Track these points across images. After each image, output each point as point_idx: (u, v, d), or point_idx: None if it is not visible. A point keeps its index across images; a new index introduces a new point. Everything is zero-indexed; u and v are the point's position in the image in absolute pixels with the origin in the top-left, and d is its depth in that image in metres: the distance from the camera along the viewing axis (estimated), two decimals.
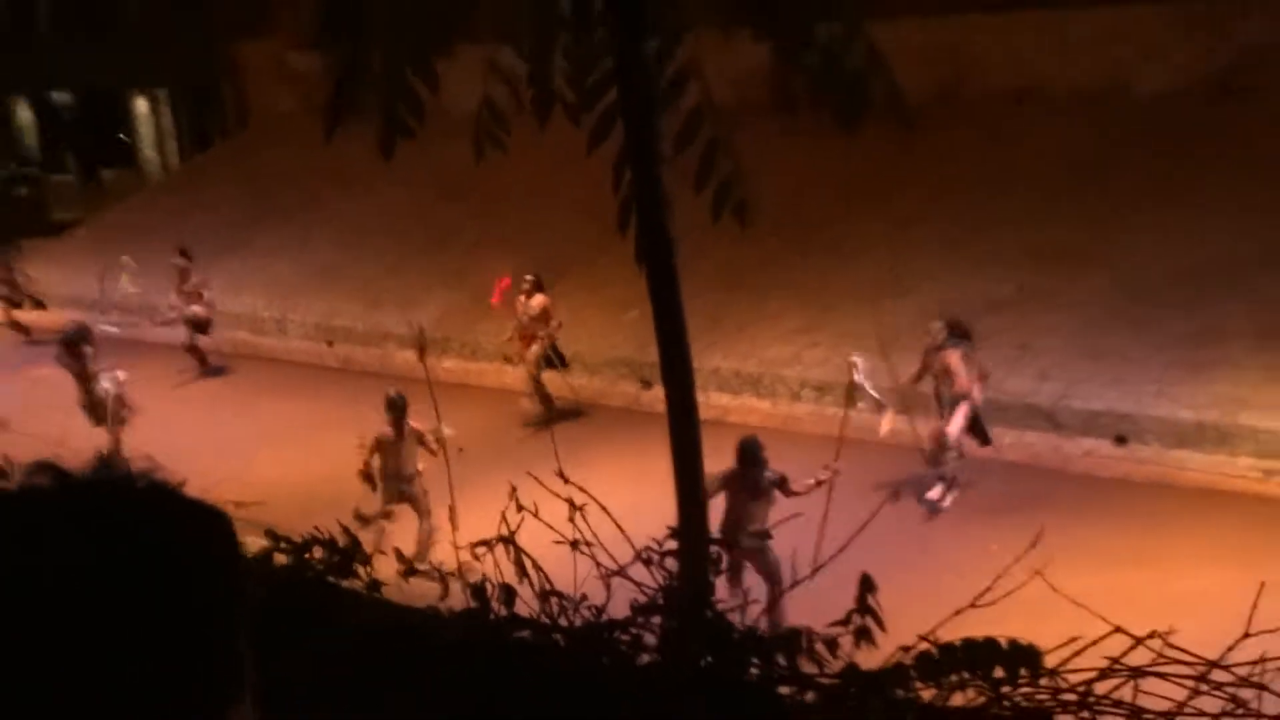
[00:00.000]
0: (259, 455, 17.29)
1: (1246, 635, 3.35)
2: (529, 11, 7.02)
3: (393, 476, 14.58)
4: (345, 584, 4.42)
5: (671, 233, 7.31)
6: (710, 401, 18.15)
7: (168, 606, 1.33)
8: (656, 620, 3.56)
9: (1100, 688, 3.33)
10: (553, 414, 18.44)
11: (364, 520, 13.46)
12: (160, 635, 1.32)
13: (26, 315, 25.69)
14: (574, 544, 3.77)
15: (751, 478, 12.40)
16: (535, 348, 18.44)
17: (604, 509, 3.87)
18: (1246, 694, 3.24)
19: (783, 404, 18.01)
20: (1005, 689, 3.44)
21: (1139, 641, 3.35)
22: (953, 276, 18.38)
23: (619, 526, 3.85)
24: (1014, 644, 3.76)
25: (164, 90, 34.75)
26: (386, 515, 14.38)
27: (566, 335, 18.96)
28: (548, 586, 3.80)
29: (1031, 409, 16.11)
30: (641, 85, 7.08)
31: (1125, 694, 3.32)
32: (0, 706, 1.28)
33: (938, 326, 14.99)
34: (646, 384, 17.90)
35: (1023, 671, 3.66)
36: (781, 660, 3.77)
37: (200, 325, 21.93)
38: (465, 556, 3.94)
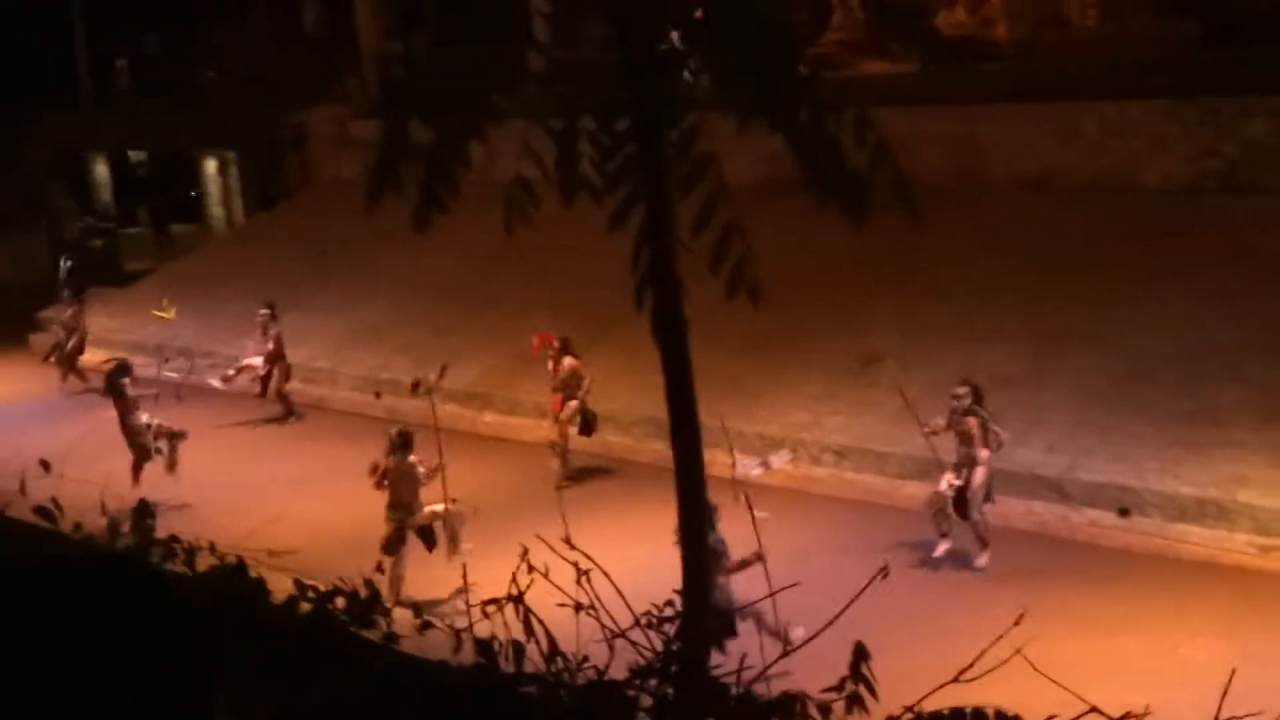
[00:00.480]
0: (300, 497, 17.33)
1: (1217, 717, 3.30)
2: (558, 101, 7.07)
3: (395, 506, 14.76)
4: (365, 634, 4.40)
5: (685, 310, 7.31)
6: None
7: (130, 672, 1.32)
8: (653, 682, 3.53)
9: None
10: (569, 472, 18.35)
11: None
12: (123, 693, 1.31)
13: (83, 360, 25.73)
14: (578, 607, 3.75)
15: None
16: (569, 410, 18.40)
17: (607, 576, 3.83)
18: None
19: (803, 467, 17.95)
20: None
21: None
22: (962, 352, 18.34)
23: (620, 593, 3.82)
24: (1000, 715, 3.71)
25: (233, 152, 35.05)
26: (389, 546, 14.59)
27: (601, 395, 18.95)
28: (554, 646, 3.78)
29: (1039, 479, 16.02)
30: (660, 173, 7.11)
31: None
32: None
33: (963, 391, 14.93)
34: None
35: None
36: None
37: (267, 368, 21.95)
38: (476, 615, 3.93)
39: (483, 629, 3.96)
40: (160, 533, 5.08)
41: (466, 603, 3.97)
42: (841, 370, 18.83)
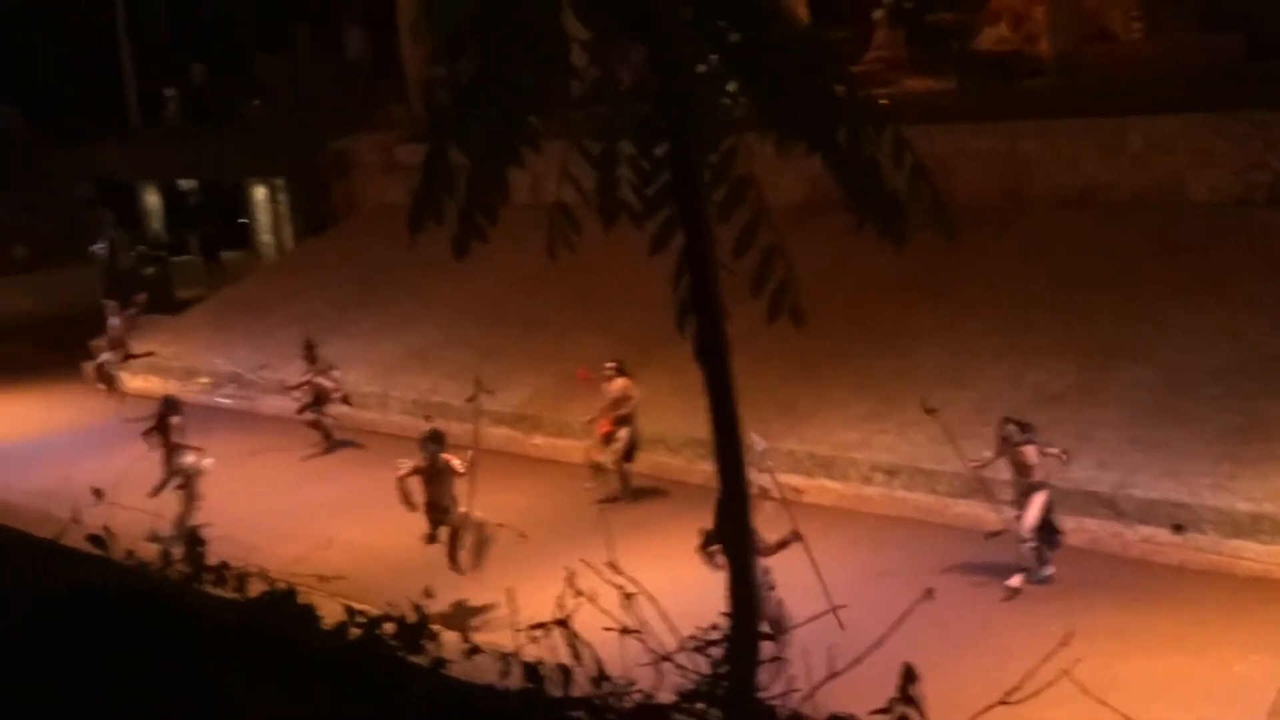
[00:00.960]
0: (349, 522, 17.40)
1: None
2: (596, 126, 7.09)
3: (432, 505, 15.35)
4: (413, 659, 4.42)
5: (728, 333, 7.31)
6: (785, 481, 18.10)
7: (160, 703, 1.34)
8: (700, 706, 3.53)
9: None
10: (627, 494, 18.45)
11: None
12: None
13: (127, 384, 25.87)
14: (624, 631, 3.75)
15: None
16: (621, 434, 18.46)
17: (652, 599, 3.84)
18: None
19: (854, 485, 17.91)
20: None
21: None
22: (1009, 369, 18.27)
23: (665, 617, 3.82)
24: None
25: (281, 179, 35.30)
26: (431, 540, 15.29)
27: (648, 417, 18.96)
28: (601, 670, 3.78)
29: (1091, 496, 15.91)
30: (698, 197, 7.12)
31: None
32: None
33: (1012, 428, 14.84)
34: None
35: None
36: None
37: (320, 399, 22.04)
38: (524, 638, 3.94)
39: (530, 652, 3.97)
40: (210, 559, 5.12)
41: (514, 626, 3.97)
42: (888, 389, 18.77)
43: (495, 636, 4.12)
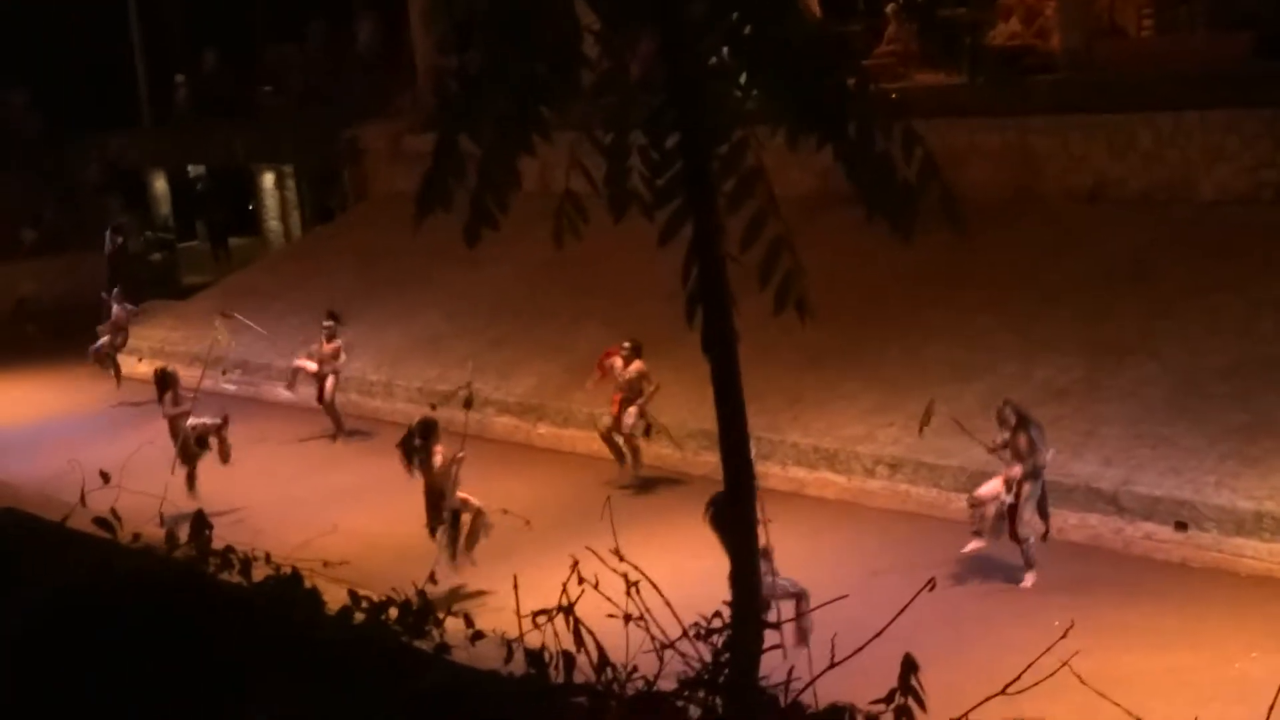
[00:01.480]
0: (354, 509, 17.44)
1: None
2: (607, 115, 7.10)
3: (431, 493, 15.43)
4: (417, 644, 4.45)
5: (735, 324, 7.32)
6: (788, 475, 18.14)
7: (180, 681, 1.37)
8: (702, 693, 3.56)
9: None
10: (638, 472, 18.50)
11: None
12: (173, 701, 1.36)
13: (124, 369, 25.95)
14: (628, 618, 3.78)
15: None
16: (633, 410, 18.48)
17: (655, 587, 3.86)
18: None
19: (857, 479, 17.93)
20: None
21: None
22: (1016, 364, 18.28)
23: (669, 604, 3.85)
24: None
25: (289, 166, 35.33)
26: (433, 531, 15.42)
27: (656, 407, 18.97)
28: (603, 657, 3.81)
29: (1095, 492, 15.93)
30: (708, 189, 7.13)
31: None
32: None
33: (1008, 411, 14.87)
34: None
35: None
36: None
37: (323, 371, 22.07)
38: (527, 625, 3.96)
39: (533, 639, 4.00)
40: (216, 543, 5.16)
41: (517, 613, 4.00)
42: (895, 383, 18.79)
43: (498, 623, 4.15)
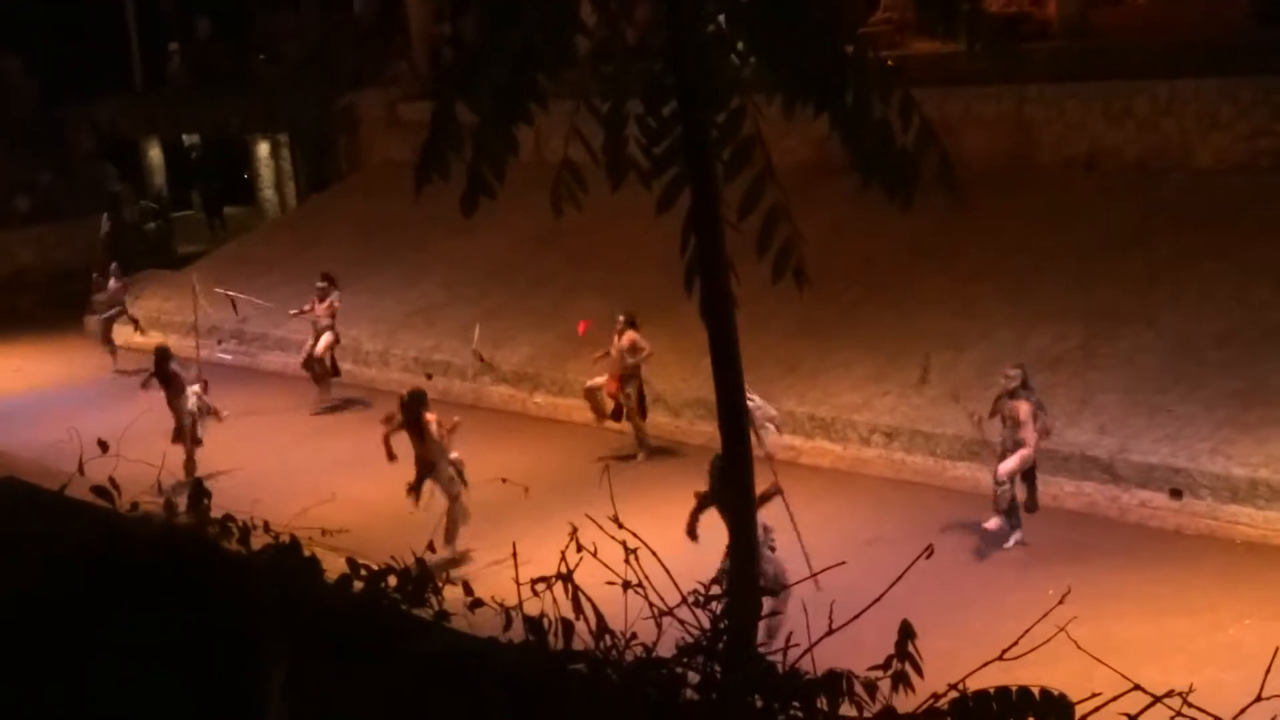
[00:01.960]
0: (351, 478, 17.44)
1: (1259, 698, 3.30)
2: (605, 84, 7.09)
3: (419, 462, 15.70)
4: (416, 611, 4.46)
5: (733, 292, 7.33)
6: (784, 443, 18.15)
7: (188, 645, 1.38)
8: (700, 660, 3.57)
9: None
10: (646, 446, 18.56)
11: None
12: (182, 666, 1.38)
13: (119, 339, 25.93)
14: (626, 585, 3.79)
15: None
16: (630, 389, 18.52)
17: (655, 554, 3.87)
18: None
19: (853, 447, 17.96)
20: None
21: (1157, 699, 3.30)
22: (1012, 332, 18.29)
23: (668, 572, 3.86)
24: (1046, 694, 3.72)
25: (284, 135, 35.24)
26: (413, 494, 15.72)
27: (652, 376, 18.99)
28: (602, 624, 3.82)
29: (1090, 460, 15.96)
30: (706, 156, 7.12)
31: None
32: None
33: (1014, 373, 14.88)
34: None
35: None
36: (822, 702, 3.76)
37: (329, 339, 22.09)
38: (526, 592, 3.97)
39: (532, 607, 4.01)
40: (214, 512, 5.16)
41: (516, 580, 4.01)
42: (891, 351, 18.80)
43: (497, 590, 4.16)
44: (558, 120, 7.29)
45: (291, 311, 22.80)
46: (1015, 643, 3.78)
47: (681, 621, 3.76)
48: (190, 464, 17.89)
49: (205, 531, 4.01)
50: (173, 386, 18.86)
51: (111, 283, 26.14)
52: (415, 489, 15.72)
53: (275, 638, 1.51)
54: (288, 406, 22.05)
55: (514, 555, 4.05)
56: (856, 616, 4.00)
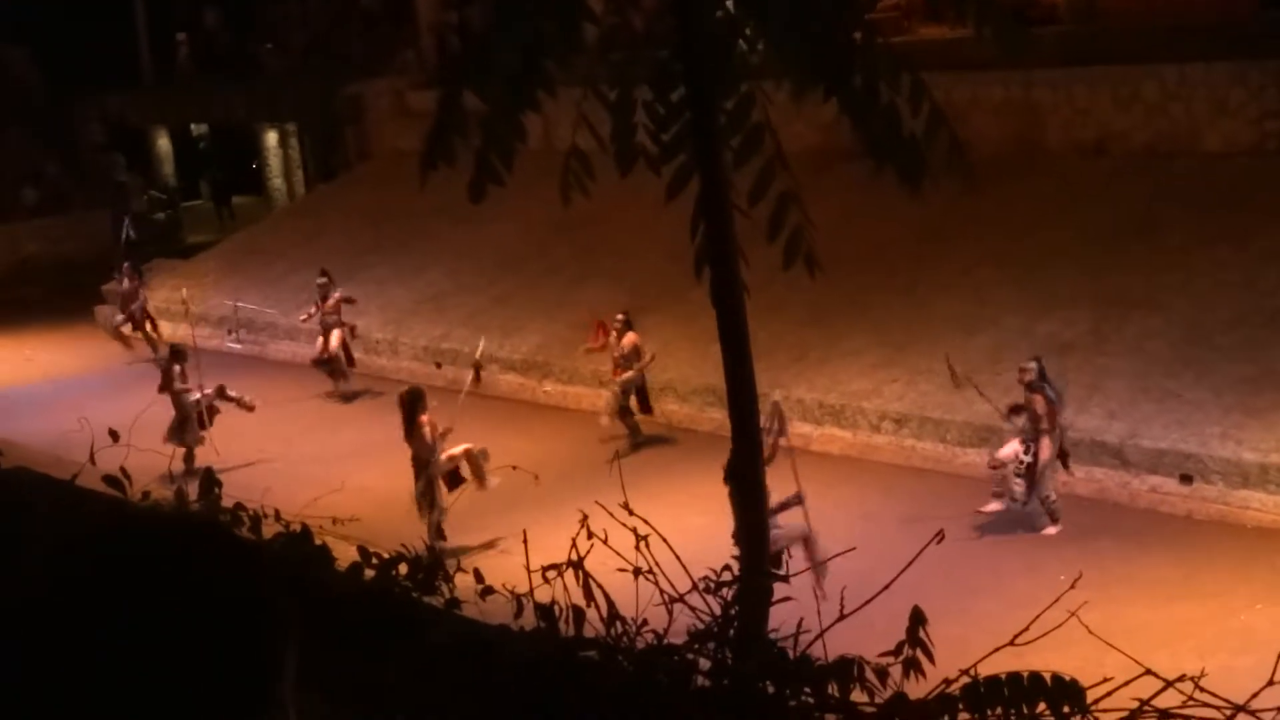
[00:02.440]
0: (362, 467, 17.47)
1: (1271, 682, 3.29)
2: (613, 71, 7.08)
3: (414, 460, 15.72)
4: (427, 599, 4.46)
5: (743, 278, 7.32)
6: (794, 430, 18.14)
7: (202, 632, 1.39)
8: (711, 646, 3.57)
9: None
10: (639, 440, 18.50)
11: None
12: (195, 653, 1.38)
13: (127, 329, 25.95)
14: (637, 572, 3.78)
15: None
16: (626, 375, 18.52)
17: (665, 541, 3.87)
18: None
19: (862, 434, 17.95)
20: None
21: (1169, 684, 3.30)
22: (1021, 318, 18.27)
23: (678, 558, 3.86)
24: (1058, 679, 3.72)
25: (292, 124, 35.24)
26: (421, 495, 15.61)
27: (660, 364, 19.01)
28: (613, 611, 3.82)
29: (1100, 446, 15.95)
30: (715, 143, 7.11)
31: None
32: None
33: (1030, 365, 14.92)
34: None
35: (1066, 708, 3.63)
36: (833, 688, 3.76)
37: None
38: (537, 580, 3.97)
39: (543, 594, 4.00)
40: (225, 501, 5.17)
41: (527, 568, 4.01)
42: (901, 338, 18.79)
43: (508, 578, 4.15)
44: (565, 108, 7.28)
45: (300, 318, 22.84)
46: (1026, 628, 3.77)
47: (693, 608, 3.76)
48: (190, 457, 17.87)
49: (217, 519, 4.01)
50: (176, 384, 18.88)
51: (125, 282, 26.13)
52: (422, 496, 15.71)
53: (287, 626, 1.51)
54: (298, 396, 22.06)
55: (525, 542, 4.05)
56: (867, 602, 4.00)
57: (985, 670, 3.56)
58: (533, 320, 22.52)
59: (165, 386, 18.87)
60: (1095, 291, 18.39)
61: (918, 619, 3.85)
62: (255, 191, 37.02)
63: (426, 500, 15.47)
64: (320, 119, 33.29)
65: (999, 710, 3.60)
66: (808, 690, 3.63)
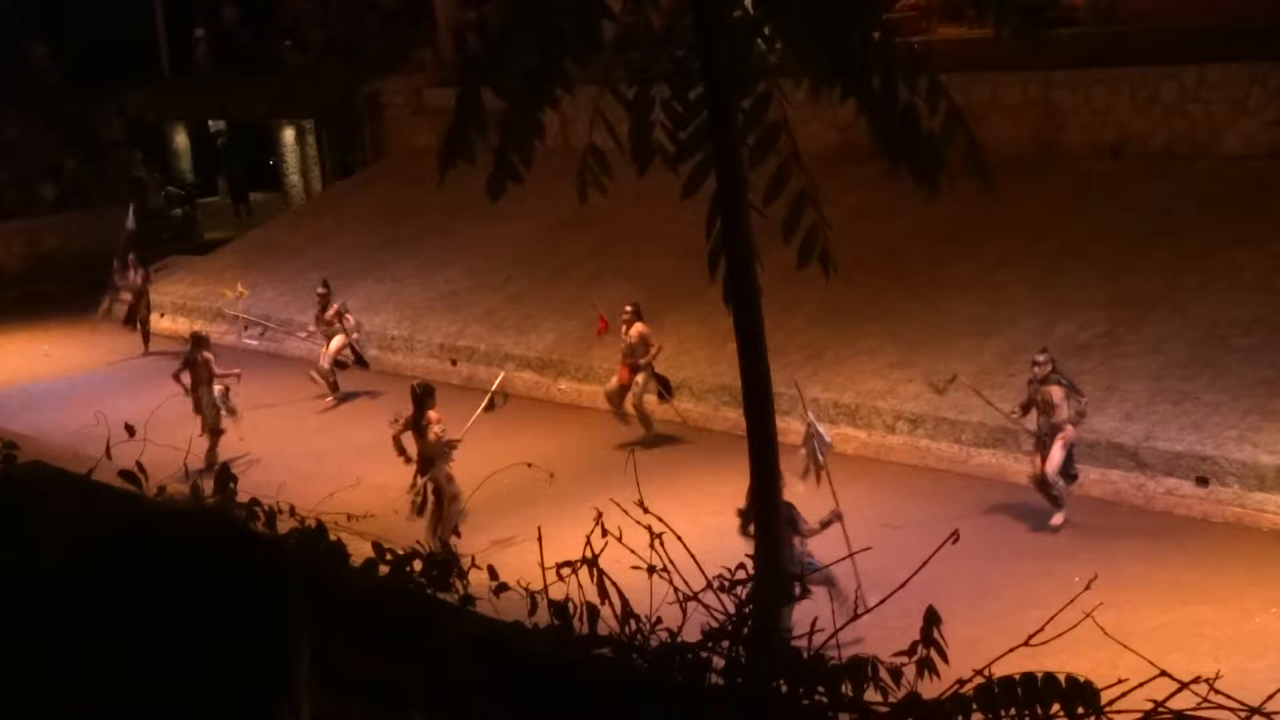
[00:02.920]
0: (376, 464, 17.45)
1: None
2: (631, 69, 7.09)
3: (421, 458, 15.60)
4: (442, 596, 4.47)
5: (758, 278, 7.32)
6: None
7: (219, 626, 1.39)
8: (725, 645, 3.57)
9: None
10: (652, 435, 18.49)
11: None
12: (212, 647, 1.38)
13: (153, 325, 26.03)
14: (651, 570, 3.79)
15: None
16: (640, 377, 18.51)
17: (680, 539, 3.88)
18: None
19: (877, 434, 17.92)
20: None
21: (1184, 686, 3.30)
22: (1038, 320, 18.23)
23: (693, 557, 3.86)
24: (1072, 680, 3.72)
25: (310, 121, 35.30)
26: (415, 491, 15.51)
27: (676, 362, 19.00)
28: (628, 608, 3.83)
29: (1116, 448, 15.91)
30: (732, 141, 7.11)
31: None
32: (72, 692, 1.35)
33: (1043, 359, 14.90)
34: None
35: (1081, 709, 3.62)
36: (847, 688, 3.76)
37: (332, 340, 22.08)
38: (551, 577, 3.98)
39: (558, 591, 4.01)
40: (240, 497, 5.18)
41: (541, 565, 4.02)
42: (917, 338, 18.77)
43: (523, 575, 4.16)
44: (582, 106, 7.28)
45: (301, 335, 22.89)
46: (1041, 629, 3.77)
47: (707, 606, 3.76)
48: (212, 453, 17.92)
49: (232, 514, 4.03)
50: (200, 374, 18.91)
51: (131, 274, 26.18)
52: (414, 485, 15.66)
53: (304, 621, 1.52)
54: (312, 393, 22.08)
55: (539, 540, 4.05)
56: (881, 602, 4.00)
57: (999, 671, 3.57)
58: (548, 318, 22.53)
59: (199, 379, 18.87)
60: (1112, 293, 18.35)
61: (932, 619, 3.85)
62: (272, 188, 37.08)
63: (443, 498, 15.41)
64: (338, 116, 33.34)
65: (1013, 711, 3.60)
66: (821, 689, 3.63)
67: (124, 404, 15.54)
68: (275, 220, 32.47)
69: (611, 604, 3.86)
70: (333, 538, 4.85)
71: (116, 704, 1.35)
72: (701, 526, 12.16)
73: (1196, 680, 3.30)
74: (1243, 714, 3.24)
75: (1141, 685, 3.39)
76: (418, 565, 4.57)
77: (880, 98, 6.90)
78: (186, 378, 18.97)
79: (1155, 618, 12.29)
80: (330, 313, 22.09)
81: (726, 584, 3.78)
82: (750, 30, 7.36)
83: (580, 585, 3.93)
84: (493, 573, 4.37)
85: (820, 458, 13.51)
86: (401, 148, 31.33)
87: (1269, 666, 11.54)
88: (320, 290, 22.42)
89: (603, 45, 7.31)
